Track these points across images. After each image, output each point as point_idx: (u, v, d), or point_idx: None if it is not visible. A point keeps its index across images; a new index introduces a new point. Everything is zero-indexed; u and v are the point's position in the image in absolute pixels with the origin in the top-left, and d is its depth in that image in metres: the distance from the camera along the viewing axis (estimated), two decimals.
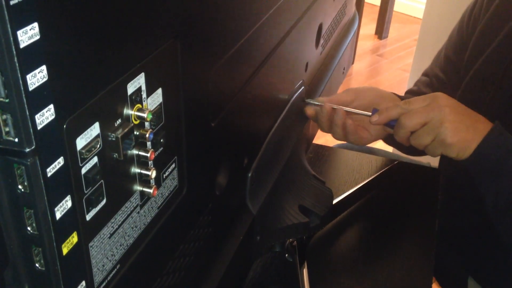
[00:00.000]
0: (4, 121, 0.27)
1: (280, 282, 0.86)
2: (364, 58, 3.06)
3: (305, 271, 0.87)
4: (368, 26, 3.33)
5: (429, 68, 1.03)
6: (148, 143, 0.40)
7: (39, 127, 0.28)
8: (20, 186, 0.29)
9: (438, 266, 0.87)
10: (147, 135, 0.38)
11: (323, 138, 1.03)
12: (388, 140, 0.95)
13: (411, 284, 0.85)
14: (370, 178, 1.03)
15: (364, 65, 3.00)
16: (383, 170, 1.05)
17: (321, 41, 0.94)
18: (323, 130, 0.85)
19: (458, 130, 0.71)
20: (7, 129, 0.27)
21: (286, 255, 0.88)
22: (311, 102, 0.86)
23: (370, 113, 0.78)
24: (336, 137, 0.84)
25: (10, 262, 0.31)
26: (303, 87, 0.87)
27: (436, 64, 1.01)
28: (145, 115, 0.37)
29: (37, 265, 0.32)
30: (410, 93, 1.03)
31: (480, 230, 0.95)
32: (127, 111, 0.37)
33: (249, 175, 0.69)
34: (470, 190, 0.93)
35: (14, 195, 0.29)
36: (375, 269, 0.86)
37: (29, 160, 0.28)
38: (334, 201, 0.89)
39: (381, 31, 3.29)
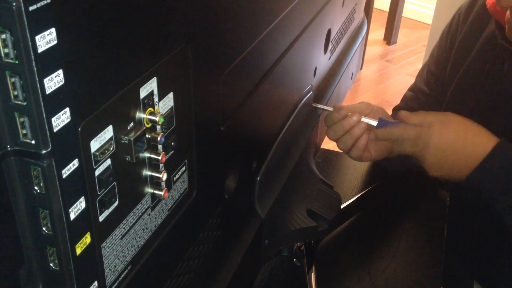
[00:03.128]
0: (22, 123, 0.28)
1: (288, 286, 0.86)
2: (372, 63, 3.06)
3: (313, 276, 0.88)
4: (376, 31, 3.33)
5: (413, 84, 1.06)
6: (160, 146, 0.40)
7: (55, 130, 0.29)
8: (36, 187, 0.30)
9: (444, 270, 0.87)
10: (158, 138, 0.39)
11: (331, 144, 1.03)
12: (384, 162, 0.96)
13: (420, 286, 0.85)
14: (378, 183, 1.03)
15: (372, 70, 2.99)
16: (392, 175, 1.05)
17: (330, 46, 0.95)
18: (331, 136, 0.83)
19: (439, 169, 0.73)
20: (24, 131, 0.28)
21: (294, 259, 0.88)
22: (319, 106, 0.86)
23: (376, 122, 0.78)
24: (341, 146, 0.82)
25: (25, 262, 0.32)
26: (311, 92, 0.87)
27: (420, 80, 1.04)
28: (157, 118, 0.38)
29: (51, 264, 0.33)
30: (397, 109, 1.05)
31: (486, 235, 0.95)
32: (140, 114, 0.37)
33: (258, 179, 0.70)
34: (476, 194, 0.93)
35: (30, 196, 0.30)
36: (383, 274, 0.86)
37: (45, 161, 0.29)
38: (342, 206, 0.89)
39: (389, 36, 3.28)
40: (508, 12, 0.78)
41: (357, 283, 0.86)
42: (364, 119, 0.78)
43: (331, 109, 0.81)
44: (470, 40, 0.92)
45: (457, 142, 0.72)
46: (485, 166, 0.70)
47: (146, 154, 0.39)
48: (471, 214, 0.97)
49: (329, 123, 0.81)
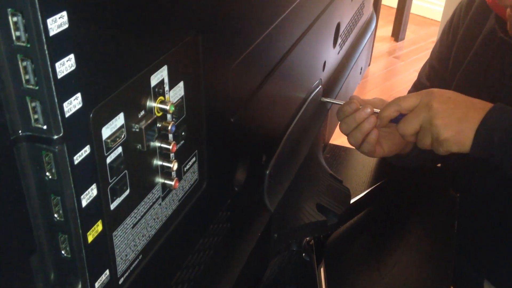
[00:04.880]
0: (33, 108, 0.28)
1: (297, 281, 0.86)
2: (380, 60, 3.05)
3: (322, 271, 0.87)
4: (384, 28, 3.32)
5: (416, 80, 1.06)
6: (170, 136, 0.40)
7: (67, 115, 0.28)
8: (47, 173, 0.30)
9: (453, 268, 0.87)
10: (169, 127, 0.39)
11: (339, 140, 1.03)
12: (394, 159, 0.94)
13: (430, 284, 0.84)
14: (387, 179, 1.02)
15: (380, 67, 2.98)
16: (401, 171, 1.05)
17: (339, 40, 0.94)
18: (344, 130, 0.81)
19: (450, 125, 0.71)
20: (36, 117, 0.28)
21: (303, 254, 0.88)
22: (328, 100, 0.85)
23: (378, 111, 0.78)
24: (351, 141, 0.81)
25: (36, 249, 0.32)
26: (320, 86, 0.87)
27: (422, 75, 1.04)
28: (167, 107, 0.38)
29: (63, 252, 0.32)
30: None
31: (496, 232, 0.94)
32: (150, 103, 0.37)
33: (267, 172, 0.69)
34: (487, 191, 0.92)
35: (42, 182, 0.30)
36: (393, 271, 0.86)
37: (57, 147, 0.29)
38: (351, 201, 0.88)
39: (397, 33, 3.27)
40: (508, 9, 0.77)
41: (366, 279, 0.86)
42: (375, 110, 0.77)
43: (341, 102, 0.80)
44: (471, 34, 0.91)
45: (458, 96, 0.73)
46: (492, 115, 0.70)
47: (157, 144, 0.39)
48: (482, 211, 0.96)
49: (341, 117, 0.80)
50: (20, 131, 0.28)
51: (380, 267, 0.86)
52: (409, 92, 1.06)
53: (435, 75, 1.00)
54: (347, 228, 0.92)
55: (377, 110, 0.77)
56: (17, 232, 0.30)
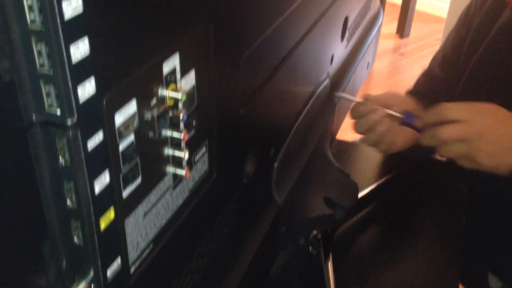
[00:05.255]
0: (47, 93, 0.28)
1: (304, 275, 0.86)
2: (385, 57, 3.04)
3: (330, 265, 0.87)
4: (389, 25, 3.30)
5: (427, 69, 1.04)
6: (181, 124, 0.40)
7: (81, 100, 0.28)
8: (61, 159, 0.29)
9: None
10: (181, 116, 0.39)
11: (346, 135, 1.02)
12: (409, 151, 0.91)
13: (437, 277, 0.84)
14: (394, 173, 1.02)
15: (385, 64, 2.97)
16: (408, 165, 1.04)
17: (347, 34, 0.93)
18: (358, 130, 0.79)
19: (494, 154, 0.67)
20: (50, 102, 0.28)
21: (310, 248, 0.88)
22: (346, 97, 0.82)
23: (402, 116, 0.74)
24: (367, 142, 0.79)
25: (49, 236, 0.32)
26: (328, 80, 0.87)
27: (434, 64, 1.02)
28: (179, 95, 0.38)
29: (75, 239, 0.32)
30: (410, 93, 1.02)
31: (502, 225, 0.94)
32: (162, 91, 0.37)
33: (275, 165, 0.69)
34: (493, 184, 0.91)
35: (55, 168, 0.30)
36: (401, 265, 0.85)
37: (71, 132, 0.28)
38: (359, 195, 0.88)
39: (402, 30, 3.25)
40: None
41: (374, 273, 0.85)
42: (389, 112, 0.75)
43: (357, 100, 0.78)
44: (486, 26, 0.90)
45: (509, 117, 0.68)
46: None
47: (168, 132, 0.39)
48: (487, 204, 0.96)
49: (354, 116, 0.78)
50: (34, 117, 0.28)
51: (388, 261, 0.86)
52: (417, 80, 1.04)
53: (449, 64, 0.98)
54: (354, 222, 0.92)
55: (392, 113, 0.75)
56: (29, 219, 0.30)
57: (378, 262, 0.86)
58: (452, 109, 0.68)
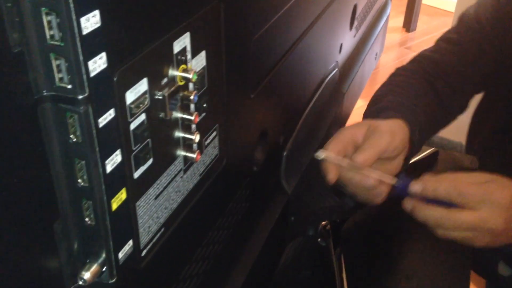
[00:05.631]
0: (58, 66, 0.27)
1: (313, 267, 0.85)
2: (391, 50, 3.02)
3: (340, 257, 0.86)
4: (396, 19, 3.28)
5: (434, 46, 0.87)
6: (192, 106, 0.39)
7: (91, 74, 0.28)
8: (72, 136, 0.29)
9: None
10: (191, 97, 0.38)
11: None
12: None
13: (448, 265, 0.83)
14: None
15: (391, 58, 2.95)
16: (419, 157, 1.03)
17: (355, 23, 0.93)
18: (348, 191, 0.65)
19: (492, 243, 0.62)
20: (60, 75, 0.27)
21: (319, 239, 0.87)
22: (330, 157, 0.60)
23: (394, 181, 0.61)
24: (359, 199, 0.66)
25: (60, 216, 0.31)
26: (337, 69, 0.86)
27: (446, 33, 0.87)
28: (190, 75, 0.37)
29: (86, 219, 0.32)
30: (403, 70, 0.84)
31: None
32: (173, 71, 0.36)
33: (284, 154, 0.68)
34: (506, 173, 0.90)
35: (66, 145, 0.29)
36: (412, 253, 0.84)
37: (81, 107, 0.28)
38: None
39: (409, 24, 3.23)
40: None
41: (384, 264, 0.84)
42: (381, 179, 0.61)
43: (342, 162, 0.60)
44: None
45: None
46: None
47: (179, 114, 0.38)
48: None
49: (347, 185, 0.64)
50: (44, 91, 0.27)
51: (397, 252, 0.85)
52: (420, 55, 0.85)
53: (467, 27, 0.83)
54: (363, 212, 0.91)
55: (385, 179, 0.61)
56: (40, 198, 0.30)
57: (388, 252, 0.85)
58: (468, 196, 0.58)
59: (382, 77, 3.12)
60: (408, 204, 0.62)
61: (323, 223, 0.88)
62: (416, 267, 0.83)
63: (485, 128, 0.99)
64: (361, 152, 0.60)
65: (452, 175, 0.62)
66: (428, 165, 1.01)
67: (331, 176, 0.60)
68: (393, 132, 0.63)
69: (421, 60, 0.84)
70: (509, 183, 0.61)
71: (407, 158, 0.72)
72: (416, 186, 0.60)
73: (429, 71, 0.82)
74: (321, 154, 0.60)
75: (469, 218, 0.59)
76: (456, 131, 0.90)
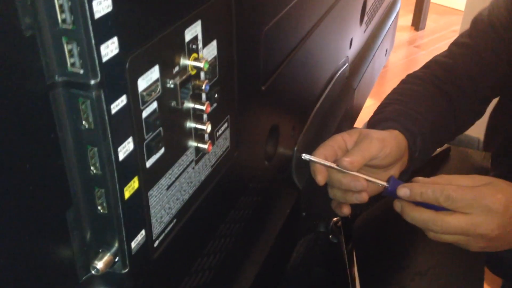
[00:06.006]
0: (70, 51, 0.27)
1: (325, 264, 0.84)
2: (400, 49, 3.01)
3: (352, 254, 0.85)
4: (404, 17, 3.27)
5: (446, 51, 0.87)
6: (204, 96, 0.39)
7: (104, 59, 0.27)
8: (84, 122, 0.29)
9: None
10: (203, 86, 0.38)
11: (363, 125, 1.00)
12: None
13: (462, 262, 0.82)
14: None
15: (400, 56, 2.94)
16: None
17: (365, 18, 0.92)
18: (337, 199, 0.65)
19: (487, 248, 0.63)
20: (72, 60, 0.27)
21: (330, 236, 0.86)
22: (316, 160, 0.61)
23: (385, 183, 0.61)
24: (332, 195, 0.66)
25: (72, 204, 0.31)
26: (347, 64, 0.85)
27: (459, 38, 0.87)
28: (201, 64, 0.37)
29: (99, 208, 0.31)
30: (413, 77, 0.84)
31: None
32: (184, 59, 0.36)
33: (295, 148, 0.68)
34: None
35: (78, 132, 0.29)
36: (425, 251, 0.84)
37: (94, 93, 0.27)
38: None
39: (417, 22, 3.22)
40: None
41: (396, 260, 0.84)
42: (371, 181, 0.61)
43: (328, 164, 0.61)
44: None
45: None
46: None
47: (191, 104, 0.38)
48: None
49: (333, 186, 0.64)
50: (56, 76, 0.27)
51: (411, 248, 0.84)
52: (433, 61, 0.85)
53: (482, 30, 0.82)
54: (375, 208, 0.91)
55: (375, 181, 0.61)
56: (53, 185, 0.29)
57: (401, 249, 0.84)
58: (456, 199, 0.57)
59: (391, 76, 3.11)
60: (397, 206, 0.62)
61: (334, 219, 0.87)
62: (429, 264, 0.82)
63: (501, 130, 0.98)
64: (348, 155, 0.61)
65: (446, 177, 0.61)
66: (440, 162, 1.00)
67: (320, 177, 0.61)
68: (383, 139, 0.63)
69: (433, 66, 0.83)
70: (506, 187, 0.59)
71: (408, 168, 0.71)
72: (403, 190, 0.60)
73: (441, 78, 0.81)
74: (306, 156, 0.62)
75: (458, 222, 0.58)
76: (473, 126, 0.89)
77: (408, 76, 0.84)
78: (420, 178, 0.61)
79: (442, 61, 0.83)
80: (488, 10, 0.83)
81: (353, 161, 0.59)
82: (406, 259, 0.82)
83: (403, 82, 0.83)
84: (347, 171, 0.60)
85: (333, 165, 0.61)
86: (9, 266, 0.28)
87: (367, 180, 0.61)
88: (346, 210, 0.66)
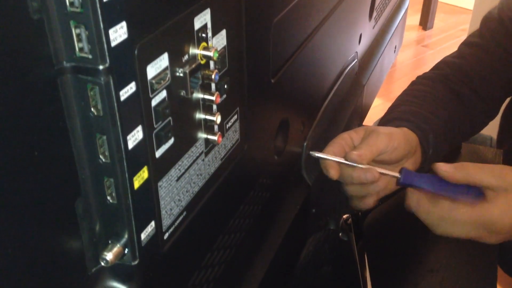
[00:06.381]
0: (78, 35, 0.26)
1: (335, 262, 0.83)
2: (408, 49, 2.99)
3: (363, 251, 0.84)
4: (412, 17, 3.25)
5: (456, 51, 0.86)
6: (213, 86, 0.38)
7: (112, 44, 0.27)
8: (93, 109, 0.28)
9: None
10: (213, 76, 0.37)
11: (372, 123, 1.00)
12: None
13: (475, 263, 0.81)
14: None
15: (408, 56, 2.93)
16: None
17: (374, 14, 0.91)
18: (349, 192, 0.64)
19: (501, 240, 0.60)
20: (80, 45, 0.26)
21: (340, 233, 0.85)
22: (324, 157, 0.61)
23: (397, 174, 0.60)
24: (349, 192, 0.64)
25: (81, 194, 0.31)
26: (356, 60, 0.84)
27: (468, 37, 0.86)
28: (211, 53, 0.36)
29: (108, 198, 0.31)
30: (424, 78, 0.83)
31: None
32: (194, 48, 0.35)
33: (305, 144, 0.67)
34: None
35: (87, 119, 0.28)
36: (436, 247, 0.82)
37: (102, 78, 0.27)
38: None
39: (425, 21, 3.20)
40: None
41: (407, 257, 0.83)
42: (383, 173, 0.60)
43: (337, 159, 0.60)
44: None
45: None
46: None
47: (200, 95, 0.37)
48: None
49: (347, 182, 0.62)
50: (64, 62, 0.27)
51: (422, 245, 0.83)
52: (444, 62, 0.84)
53: (492, 30, 0.81)
54: (385, 205, 0.90)
55: (387, 173, 0.60)
56: (61, 174, 0.29)
57: (412, 245, 0.83)
58: (477, 175, 0.56)
59: (399, 75, 3.09)
60: (413, 197, 0.59)
61: (344, 216, 0.86)
62: (441, 261, 0.81)
63: None
64: (356, 149, 0.60)
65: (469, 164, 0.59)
66: (451, 158, 0.99)
67: (333, 172, 0.60)
68: (390, 133, 0.63)
69: (443, 67, 0.82)
70: None
71: (422, 167, 0.70)
72: (445, 166, 0.58)
73: (452, 78, 0.80)
74: (315, 153, 0.62)
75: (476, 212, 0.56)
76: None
77: (418, 77, 0.83)
78: (442, 163, 0.59)
79: (452, 61, 0.82)
80: (497, 8, 0.82)
81: (361, 154, 0.59)
82: (417, 256, 0.81)
83: (413, 83, 0.82)
84: (356, 164, 0.59)
85: (342, 159, 0.60)
86: (17, 257, 0.27)
87: (379, 173, 0.60)
88: (370, 201, 0.64)
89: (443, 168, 0.58)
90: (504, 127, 1.01)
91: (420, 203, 0.60)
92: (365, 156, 0.59)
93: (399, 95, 0.79)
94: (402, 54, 2.89)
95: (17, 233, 0.27)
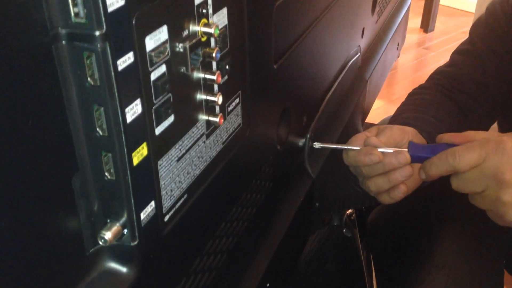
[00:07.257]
0: (73, 0, 0.25)
1: (339, 259, 0.82)
2: (409, 51, 2.98)
3: (367, 247, 0.83)
4: (413, 19, 3.25)
5: (449, 60, 0.85)
6: (214, 65, 0.37)
7: (109, 9, 0.26)
8: (89, 79, 0.27)
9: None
10: (214, 54, 0.36)
11: (375, 119, 0.98)
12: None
13: (480, 260, 0.79)
14: None
15: (409, 58, 2.92)
16: None
17: (377, 8, 0.90)
18: (372, 188, 0.62)
19: None
20: (76, 10, 0.25)
21: (344, 230, 0.84)
22: (328, 146, 0.63)
23: (405, 149, 0.58)
24: (371, 187, 0.62)
25: (79, 170, 0.29)
26: (359, 54, 0.83)
27: (459, 46, 0.86)
28: (212, 30, 0.35)
29: (106, 174, 0.30)
30: (420, 88, 0.83)
31: None
32: (194, 25, 0.34)
33: (308, 135, 0.66)
34: None
35: (83, 90, 0.27)
36: (442, 244, 0.81)
37: (99, 45, 0.26)
38: None
39: (426, 24, 3.19)
40: None
41: (412, 254, 0.81)
42: (391, 150, 0.58)
43: (349, 147, 0.61)
44: None
45: None
46: None
47: (201, 74, 0.36)
48: None
49: (366, 171, 0.61)
50: (59, 28, 0.26)
51: (427, 241, 0.82)
52: (438, 72, 0.84)
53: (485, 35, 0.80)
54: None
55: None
56: (57, 148, 0.28)
57: (417, 242, 0.82)
58: (460, 158, 0.55)
59: (400, 77, 3.07)
60: (426, 165, 0.57)
61: (348, 212, 0.85)
62: (446, 257, 0.79)
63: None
64: (373, 139, 0.60)
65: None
66: None
67: (375, 155, 0.58)
68: (404, 128, 0.64)
69: (437, 77, 0.83)
70: None
71: None
72: (448, 134, 0.58)
73: (448, 87, 0.81)
74: (318, 144, 0.65)
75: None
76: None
77: (415, 89, 0.84)
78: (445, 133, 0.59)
79: (445, 70, 0.83)
80: (485, 14, 0.83)
81: (380, 140, 0.60)
82: (422, 252, 0.80)
83: (411, 94, 0.82)
84: (379, 148, 0.58)
85: (349, 146, 0.60)
86: (12, 236, 0.26)
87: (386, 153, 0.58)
88: (399, 193, 0.62)
89: (448, 135, 0.58)
90: (504, 127, 1.01)
91: (457, 152, 0.55)
92: (383, 143, 0.60)
93: (399, 106, 0.79)
94: (403, 56, 2.89)
95: (10, 211, 0.26)
